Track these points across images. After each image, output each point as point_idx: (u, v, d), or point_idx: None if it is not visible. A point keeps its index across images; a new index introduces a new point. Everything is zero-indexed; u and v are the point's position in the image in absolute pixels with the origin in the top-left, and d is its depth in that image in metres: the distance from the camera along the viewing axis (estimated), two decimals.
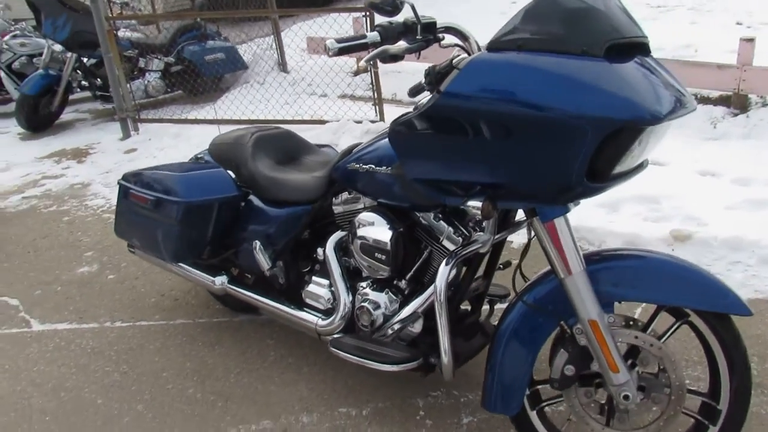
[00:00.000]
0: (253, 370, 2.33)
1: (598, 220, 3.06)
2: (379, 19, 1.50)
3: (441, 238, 1.79)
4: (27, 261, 3.48)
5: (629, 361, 1.58)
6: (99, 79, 6.28)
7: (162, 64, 6.50)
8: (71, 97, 6.60)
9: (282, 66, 6.81)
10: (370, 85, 5.94)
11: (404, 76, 6.14)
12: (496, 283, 2.16)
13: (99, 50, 5.45)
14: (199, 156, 2.51)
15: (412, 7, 1.43)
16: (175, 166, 2.38)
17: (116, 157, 5.21)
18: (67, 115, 6.69)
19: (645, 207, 3.13)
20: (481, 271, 1.94)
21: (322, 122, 5.05)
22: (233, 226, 2.30)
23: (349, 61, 6.78)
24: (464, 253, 1.64)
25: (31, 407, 2.24)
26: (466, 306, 1.99)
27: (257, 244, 2.16)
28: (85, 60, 6.20)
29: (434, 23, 1.50)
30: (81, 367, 2.46)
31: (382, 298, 1.89)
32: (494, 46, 1.35)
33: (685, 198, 3.19)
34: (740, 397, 1.55)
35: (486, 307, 2.07)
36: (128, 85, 5.96)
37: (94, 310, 2.87)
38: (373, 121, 4.86)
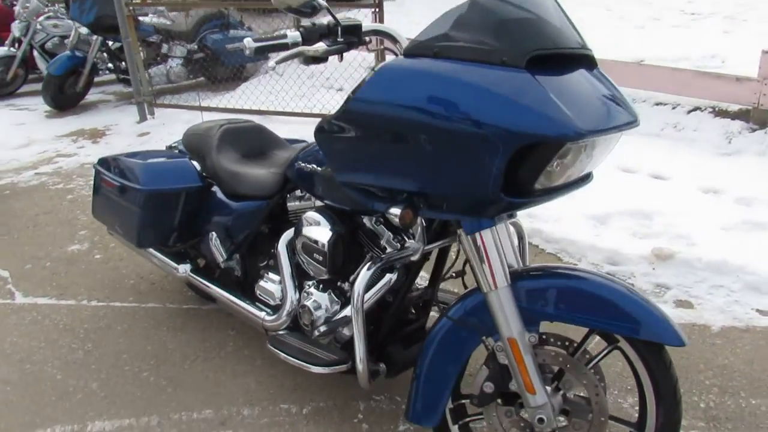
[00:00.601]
0: (209, 358, 2.36)
1: (584, 233, 2.98)
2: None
3: (381, 243, 1.76)
4: (26, 235, 3.59)
5: (555, 383, 1.54)
6: (123, 63, 6.42)
7: (184, 51, 6.61)
8: (98, 78, 6.77)
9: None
10: None
11: None
12: (451, 291, 2.14)
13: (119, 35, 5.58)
14: (172, 145, 2.55)
15: (328, 10, 1.41)
16: (146, 154, 2.42)
17: (129, 139, 5.32)
18: (92, 96, 6.87)
19: (635, 222, 3.04)
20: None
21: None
22: (197, 216, 2.32)
23: (368, 57, 6.75)
24: (388, 259, 1.62)
25: (38, 366, 2.36)
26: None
27: (213, 235, 2.18)
28: (110, 43, 6.34)
29: (359, 26, 1.47)
30: (50, 341, 2.53)
31: (324, 298, 1.88)
32: (410, 51, 1.32)
33: (679, 215, 3.09)
34: (666, 430, 1.49)
35: (435, 315, 2.04)
36: (150, 70, 6.10)
37: (75, 288, 2.94)
38: None
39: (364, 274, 1.58)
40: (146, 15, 6.58)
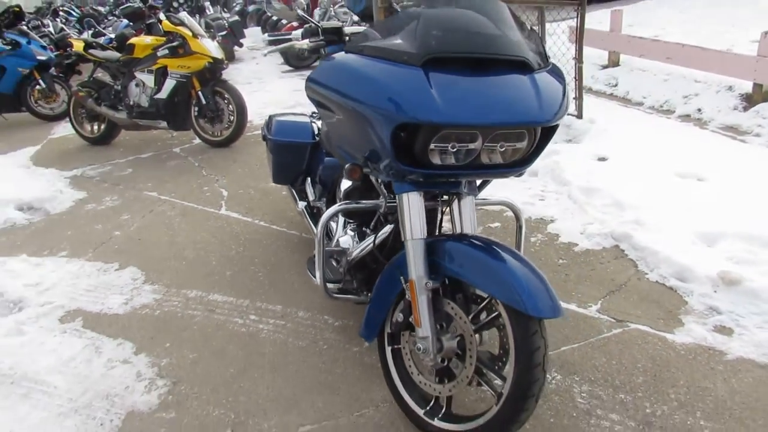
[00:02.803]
0: (301, 273, 3.11)
1: (676, 247, 2.88)
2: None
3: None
4: (250, 170, 4.85)
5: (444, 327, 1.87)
6: None
7: None
8: None
9: None
10: (610, 82, 5.87)
11: (647, 76, 5.87)
12: None
13: None
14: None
15: (307, 18, 1.95)
16: (293, 115, 3.24)
17: None
18: None
19: (743, 246, 2.82)
20: None
21: None
22: (309, 164, 3.06)
23: (602, 55, 6.66)
24: (355, 205, 2.11)
25: (205, 252, 3.48)
26: None
27: (309, 180, 2.90)
28: None
29: (339, 28, 1.97)
30: (222, 241, 3.61)
31: (346, 237, 2.44)
32: (348, 48, 1.80)
33: None
34: (518, 390, 1.71)
35: None
36: None
37: (257, 211, 4.01)
38: (570, 115, 4.93)
39: (330, 210, 2.11)
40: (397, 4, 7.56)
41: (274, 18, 11.70)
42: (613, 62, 6.38)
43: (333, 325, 2.66)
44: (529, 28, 2.00)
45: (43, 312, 2.98)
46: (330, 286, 2.31)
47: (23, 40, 7.12)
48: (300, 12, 1.82)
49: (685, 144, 4.26)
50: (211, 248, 3.52)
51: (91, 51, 5.59)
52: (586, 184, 3.65)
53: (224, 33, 8.89)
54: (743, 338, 2.30)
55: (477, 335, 1.85)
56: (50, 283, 3.25)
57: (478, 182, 2.14)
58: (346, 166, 1.95)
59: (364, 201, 2.17)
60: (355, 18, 7.52)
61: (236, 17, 10.70)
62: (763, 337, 2.29)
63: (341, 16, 8.34)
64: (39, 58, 7.08)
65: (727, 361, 2.20)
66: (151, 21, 6.96)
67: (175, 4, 9.24)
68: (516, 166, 1.86)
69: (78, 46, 5.68)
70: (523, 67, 1.75)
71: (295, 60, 8.86)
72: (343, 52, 1.83)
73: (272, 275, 3.14)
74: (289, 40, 2.02)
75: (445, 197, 2.06)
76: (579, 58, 4.89)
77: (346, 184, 2.41)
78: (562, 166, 3.93)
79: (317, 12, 8.59)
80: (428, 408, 1.97)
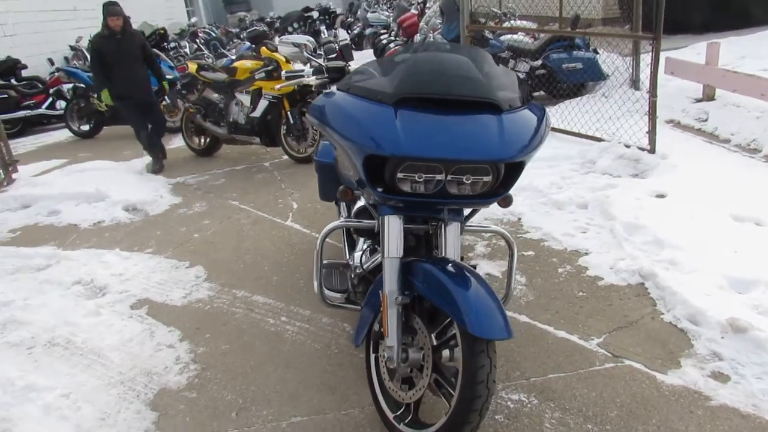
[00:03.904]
0: None
1: (699, 290, 2.81)
2: None
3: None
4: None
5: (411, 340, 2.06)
6: None
7: (527, 67, 7.49)
8: None
9: (634, 83, 6.90)
10: (700, 117, 5.67)
11: (741, 112, 5.56)
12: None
13: None
14: None
15: (310, 58, 2.22)
16: None
17: None
18: None
19: None
20: None
21: (597, 139, 5.27)
22: None
23: (698, 88, 6.37)
24: (352, 223, 2.35)
25: (261, 258, 3.90)
26: None
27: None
28: None
29: (342, 67, 2.23)
30: (277, 247, 3.98)
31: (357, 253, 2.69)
32: (338, 86, 2.07)
33: None
34: (462, 403, 1.86)
35: None
36: None
37: (315, 225, 4.35)
38: (641, 149, 4.83)
39: (328, 227, 2.36)
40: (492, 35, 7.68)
41: (384, 41, 12.25)
42: (708, 96, 6.08)
43: (349, 333, 2.91)
44: (514, 74, 2.17)
45: (119, 298, 3.50)
46: (337, 295, 2.56)
47: None
48: (306, 54, 2.09)
49: (756, 186, 4.04)
50: (267, 254, 3.91)
51: (202, 72, 6.30)
52: (633, 221, 3.62)
53: (334, 56, 9.51)
54: (737, 387, 2.25)
55: (445, 350, 2.01)
56: (131, 275, 3.79)
57: (467, 211, 2.31)
58: (340, 188, 2.22)
59: (365, 221, 2.41)
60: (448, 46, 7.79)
61: (347, 41, 11.29)
62: (757, 388, 2.23)
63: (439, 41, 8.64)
64: (167, 77, 8.01)
65: (709, 406, 2.18)
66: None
67: (290, 29, 10.02)
68: (487, 197, 2.02)
69: (192, 68, 6.42)
70: (493, 108, 1.92)
71: None
72: (334, 88, 2.11)
73: (310, 283, 3.42)
74: (302, 76, 2.32)
75: (434, 223, 2.24)
76: (652, 92, 4.79)
77: (359, 204, 2.66)
78: (612, 200, 3.91)
79: (417, 37, 8.95)
80: (398, 413, 2.16)
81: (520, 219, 4.03)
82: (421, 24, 8.99)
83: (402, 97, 1.88)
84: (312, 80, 2.59)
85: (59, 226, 4.95)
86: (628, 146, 4.94)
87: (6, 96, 9.33)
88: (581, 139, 5.50)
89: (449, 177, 1.93)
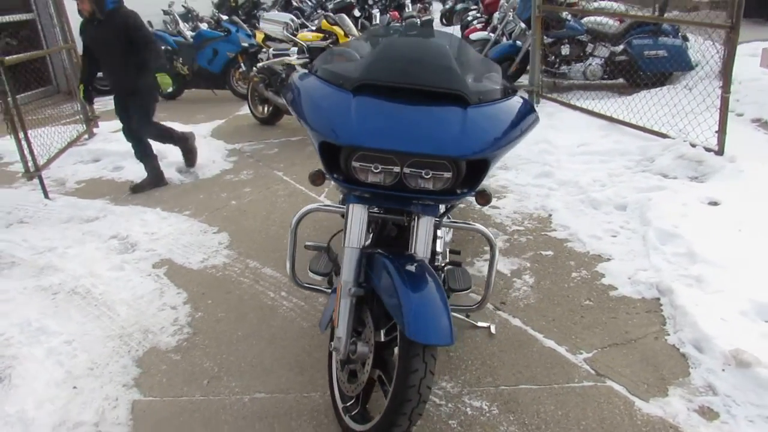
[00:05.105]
0: None
1: (712, 313, 2.55)
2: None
3: None
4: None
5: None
6: (553, 56, 7.33)
7: (607, 52, 7.02)
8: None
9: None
10: None
11: None
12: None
13: (552, 32, 6.55)
14: None
15: (290, 37, 2.16)
16: None
17: None
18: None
19: None
20: None
21: (663, 135, 4.87)
22: None
23: None
24: (319, 208, 2.31)
25: (284, 230, 3.97)
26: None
27: None
28: (543, 38, 7.31)
29: (324, 48, 2.16)
30: (302, 224, 4.00)
31: None
32: (309, 67, 2.01)
33: None
34: (393, 405, 1.81)
35: None
36: (570, 66, 6.85)
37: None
38: (708, 150, 4.41)
39: (301, 211, 2.33)
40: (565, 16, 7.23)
41: (469, 18, 11.91)
42: None
43: None
44: (496, 65, 2.03)
45: (144, 256, 3.68)
46: (317, 278, 2.54)
47: (233, 29, 8.32)
48: (287, 33, 2.03)
49: None
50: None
51: (268, 42, 6.41)
52: (671, 229, 3.32)
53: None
54: (722, 428, 2.03)
55: (395, 347, 1.96)
56: (162, 234, 3.97)
57: (443, 208, 2.21)
58: (313, 171, 2.18)
59: (333, 205, 2.37)
60: (522, 25, 7.43)
61: (430, 16, 11.13)
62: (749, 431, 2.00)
63: (517, 21, 8.26)
64: (243, 44, 8.22)
65: None
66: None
67: (370, 2, 9.94)
68: (452, 193, 1.92)
69: (259, 37, 6.54)
70: (460, 100, 1.81)
71: None
72: (303, 71, 2.06)
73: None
74: (288, 55, 2.28)
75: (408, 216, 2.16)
76: (725, 88, 4.34)
77: None
78: (654, 203, 3.60)
79: (496, 15, 8.60)
80: (347, 405, 2.12)
81: (550, 215, 3.81)
82: (502, 1, 8.61)
83: (362, 83, 1.81)
84: (294, 60, 2.58)
85: (119, 181, 5.26)
86: (693, 145, 4.53)
87: None
88: (646, 134, 5.10)
89: (408, 170, 1.85)
